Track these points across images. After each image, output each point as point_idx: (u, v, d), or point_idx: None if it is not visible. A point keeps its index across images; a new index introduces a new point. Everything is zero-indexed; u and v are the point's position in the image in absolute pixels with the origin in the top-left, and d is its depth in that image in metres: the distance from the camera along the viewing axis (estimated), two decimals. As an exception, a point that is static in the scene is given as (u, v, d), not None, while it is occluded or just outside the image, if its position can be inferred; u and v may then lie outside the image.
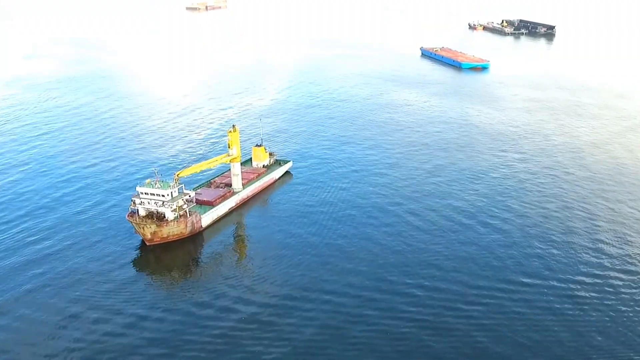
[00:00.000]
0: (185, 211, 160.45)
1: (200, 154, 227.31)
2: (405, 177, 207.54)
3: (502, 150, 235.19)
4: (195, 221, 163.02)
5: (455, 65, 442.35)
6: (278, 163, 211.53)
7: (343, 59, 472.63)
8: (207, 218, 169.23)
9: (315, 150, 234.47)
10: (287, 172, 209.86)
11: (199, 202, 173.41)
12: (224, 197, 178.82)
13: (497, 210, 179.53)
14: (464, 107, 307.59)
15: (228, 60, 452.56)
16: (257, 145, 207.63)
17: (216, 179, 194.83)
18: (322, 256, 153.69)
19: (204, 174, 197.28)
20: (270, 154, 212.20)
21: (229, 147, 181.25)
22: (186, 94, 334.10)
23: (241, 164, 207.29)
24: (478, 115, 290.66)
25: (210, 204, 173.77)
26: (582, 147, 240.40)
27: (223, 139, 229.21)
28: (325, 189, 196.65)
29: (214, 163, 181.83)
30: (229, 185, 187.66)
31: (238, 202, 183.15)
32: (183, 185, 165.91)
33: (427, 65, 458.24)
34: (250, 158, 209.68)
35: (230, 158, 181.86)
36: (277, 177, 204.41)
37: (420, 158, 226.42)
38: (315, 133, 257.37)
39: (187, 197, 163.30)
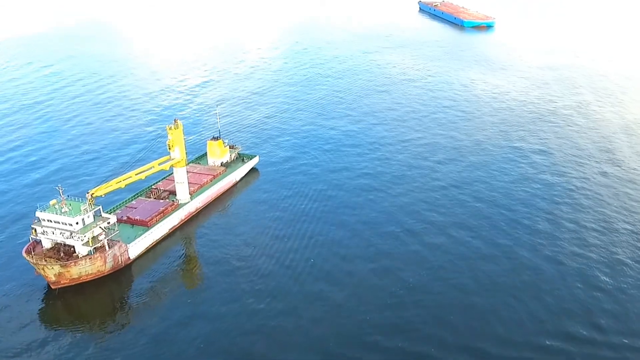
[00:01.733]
0: (104, 243, 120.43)
1: (129, 159, 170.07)
2: (403, 177, 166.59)
3: (510, 139, 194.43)
4: (119, 254, 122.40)
5: (456, 23, 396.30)
6: (241, 159, 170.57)
7: (330, 18, 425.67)
8: (138, 246, 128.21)
9: (289, 140, 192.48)
10: (253, 170, 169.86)
11: (130, 222, 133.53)
12: (163, 213, 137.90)
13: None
14: (466, 78, 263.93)
15: (181, 36, 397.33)
16: (213, 139, 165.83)
17: (159, 184, 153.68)
18: (296, 290, 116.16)
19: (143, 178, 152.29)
20: (232, 148, 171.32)
21: (169, 148, 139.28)
22: (118, 77, 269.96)
23: (195, 160, 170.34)
24: (483, 90, 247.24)
25: (145, 225, 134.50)
26: (612, 135, 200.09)
27: (161, 139, 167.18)
28: (301, 190, 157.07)
29: (146, 172, 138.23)
30: (175, 193, 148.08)
31: (184, 217, 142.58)
32: (101, 207, 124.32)
33: (425, 23, 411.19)
34: (206, 154, 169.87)
35: (170, 163, 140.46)
36: (238, 178, 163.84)
37: (416, 151, 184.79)
38: (289, 119, 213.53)
39: (106, 223, 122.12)
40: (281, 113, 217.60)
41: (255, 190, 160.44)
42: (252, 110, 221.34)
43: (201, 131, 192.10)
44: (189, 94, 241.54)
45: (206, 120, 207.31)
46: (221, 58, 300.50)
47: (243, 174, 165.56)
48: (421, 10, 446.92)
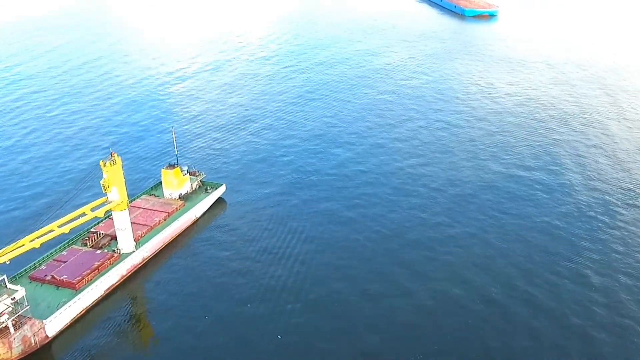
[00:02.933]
0: (7, 326, 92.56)
1: (53, 202, 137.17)
2: (399, 206, 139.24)
3: (519, 154, 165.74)
4: (31, 334, 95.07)
5: (457, 12, 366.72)
6: (204, 188, 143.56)
7: (321, 7, 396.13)
8: (61, 319, 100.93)
9: (264, 162, 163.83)
10: (219, 200, 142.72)
11: (55, 283, 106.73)
12: (98, 270, 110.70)
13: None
14: (469, 77, 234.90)
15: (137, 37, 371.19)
16: (168, 167, 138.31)
17: (100, 226, 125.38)
18: None
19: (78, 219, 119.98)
20: (193, 175, 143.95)
21: (104, 189, 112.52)
22: (45, 88, 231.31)
23: (150, 191, 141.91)
24: (489, 92, 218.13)
25: (72, 287, 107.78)
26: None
27: (93, 175, 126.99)
28: (276, 230, 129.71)
29: (74, 223, 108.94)
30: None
31: (126, 273, 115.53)
32: (5, 277, 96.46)
33: (424, 12, 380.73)
34: (161, 183, 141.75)
35: (107, 207, 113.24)
36: (200, 214, 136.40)
37: (421, 181, 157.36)
38: (264, 135, 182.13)
39: (11, 299, 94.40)
40: (254, 129, 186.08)
41: (219, 229, 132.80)
42: (218, 127, 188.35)
43: (157, 155, 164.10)
44: (139, 109, 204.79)
45: (156, 145, 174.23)
46: (183, 61, 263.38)
47: (206, 208, 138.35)
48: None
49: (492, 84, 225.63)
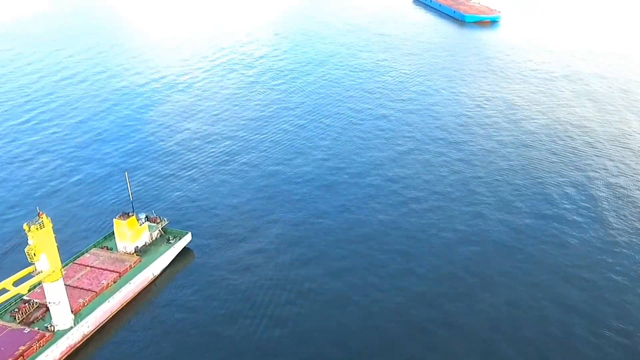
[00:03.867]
0: None
1: None
2: (401, 287, 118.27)
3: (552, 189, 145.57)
4: None
5: (456, 17, 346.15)
6: (166, 238, 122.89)
7: (311, 11, 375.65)
8: None
9: (240, 201, 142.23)
10: (185, 250, 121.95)
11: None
12: (23, 357, 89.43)
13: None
14: (470, 95, 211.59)
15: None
16: (121, 216, 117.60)
17: (34, 292, 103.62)
18: None
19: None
20: (154, 221, 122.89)
21: (30, 258, 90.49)
22: None
23: (102, 242, 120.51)
24: (493, 113, 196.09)
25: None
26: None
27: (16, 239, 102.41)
28: (252, 293, 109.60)
29: None
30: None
31: (59, 356, 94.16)
32: None
33: (421, 17, 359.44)
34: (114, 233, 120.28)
35: (35, 279, 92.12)
36: (159, 271, 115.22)
37: (428, 230, 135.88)
38: (240, 174, 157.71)
39: None
40: (229, 166, 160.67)
41: (183, 289, 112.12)
42: (186, 165, 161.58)
43: (112, 200, 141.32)
44: (84, 147, 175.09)
45: (104, 190, 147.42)
46: (144, 86, 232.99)
47: (167, 262, 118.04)
48: (416, 0, 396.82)
49: (501, 103, 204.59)
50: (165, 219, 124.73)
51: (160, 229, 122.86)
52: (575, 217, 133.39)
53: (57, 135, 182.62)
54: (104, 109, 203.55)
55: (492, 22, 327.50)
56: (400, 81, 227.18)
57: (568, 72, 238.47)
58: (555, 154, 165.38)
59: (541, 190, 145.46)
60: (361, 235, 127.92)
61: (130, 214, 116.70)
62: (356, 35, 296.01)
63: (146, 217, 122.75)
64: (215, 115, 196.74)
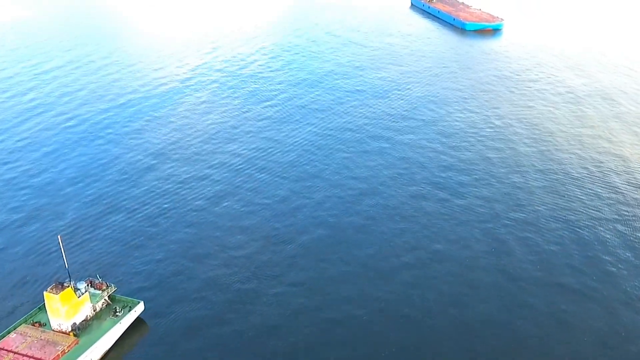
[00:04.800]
0: None
1: None
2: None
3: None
4: None
5: (456, 25, 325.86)
6: (113, 309, 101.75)
7: (298, 22, 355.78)
8: None
9: (201, 268, 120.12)
10: (137, 321, 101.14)
11: None
12: None
13: None
14: (473, 126, 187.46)
15: None
16: (54, 287, 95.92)
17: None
18: None
19: None
20: (98, 288, 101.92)
21: None
22: None
23: (35, 315, 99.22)
24: (509, 136, 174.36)
25: None
26: None
27: None
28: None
29: None
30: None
31: None
32: None
33: (417, 24, 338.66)
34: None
35: None
36: (102, 354, 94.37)
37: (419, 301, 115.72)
38: (204, 227, 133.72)
39: None
40: (191, 216, 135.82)
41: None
42: (138, 215, 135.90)
43: (48, 257, 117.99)
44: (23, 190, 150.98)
45: (29, 258, 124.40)
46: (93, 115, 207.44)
47: (113, 341, 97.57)
48: (413, 6, 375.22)
49: (510, 125, 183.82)
50: (113, 285, 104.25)
51: (106, 297, 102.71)
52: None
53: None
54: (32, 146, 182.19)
55: (495, 31, 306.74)
56: (395, 107, 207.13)
57: (587, 88, 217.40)
58: (598, 197, 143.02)
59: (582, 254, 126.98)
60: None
61: (65, 284, 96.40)
62: (349, 51, 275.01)
63: (90, 283, 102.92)
64: (185, 156, 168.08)
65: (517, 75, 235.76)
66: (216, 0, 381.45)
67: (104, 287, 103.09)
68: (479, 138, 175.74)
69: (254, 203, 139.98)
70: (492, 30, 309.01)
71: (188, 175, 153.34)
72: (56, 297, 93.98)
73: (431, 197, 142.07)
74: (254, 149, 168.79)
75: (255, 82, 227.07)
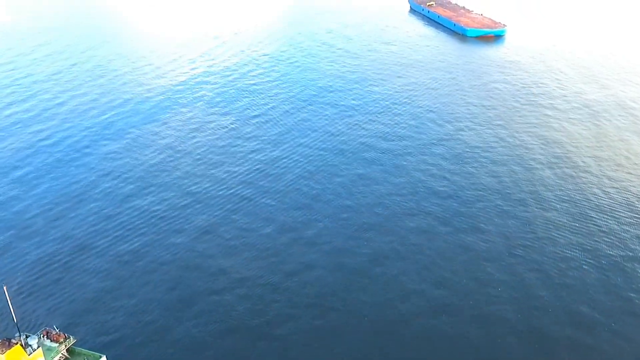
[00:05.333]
0: None
1: None
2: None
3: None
4: None
5: (456, 31, 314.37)
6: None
7: (291, 28, 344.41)
8: None
9: (177, 315, 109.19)
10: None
11: None
12: None
13: None
14: (479, 146, 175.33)
15: None
16: (0, 345, 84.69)
17: None
18: None
19: None
20: (55, 340, 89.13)
21: None
22: None
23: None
24: (522, 156, 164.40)
25: None
26: None
27: None
28: None
29: None
30: None
31: None
32: None
33: (416, 30, 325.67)
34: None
35: None
36: None
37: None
38: (181, 272, 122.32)
39: None
40: (164, 248, 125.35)
41: None
42: (102, 250, 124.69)
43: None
44: None
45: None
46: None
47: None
48: (412, 10, 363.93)
49: (522, 143, 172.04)
50: (73, 337, 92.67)
51: (64, 351, 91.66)
52: None
53: None
54: None
55: (497, 37, 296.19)
56: (394, 124, 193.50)
57: (603, 99, 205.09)
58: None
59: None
60: None
61: (14, 340, 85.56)
62: (345, 61, 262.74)
63: (46, 334, 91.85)
64: (166, 181, 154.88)
65: (524, 86, 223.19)
66: (206, 6, 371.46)
67: (62, 340, 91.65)
68: (485, 159, 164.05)
69: (240, 238, 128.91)
70: (494, 37, 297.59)
71: (167, 207, 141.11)
72: (1, 357, 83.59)
73: (433, 230, 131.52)
74: (242, 173, 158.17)
75: (247, 95, 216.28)
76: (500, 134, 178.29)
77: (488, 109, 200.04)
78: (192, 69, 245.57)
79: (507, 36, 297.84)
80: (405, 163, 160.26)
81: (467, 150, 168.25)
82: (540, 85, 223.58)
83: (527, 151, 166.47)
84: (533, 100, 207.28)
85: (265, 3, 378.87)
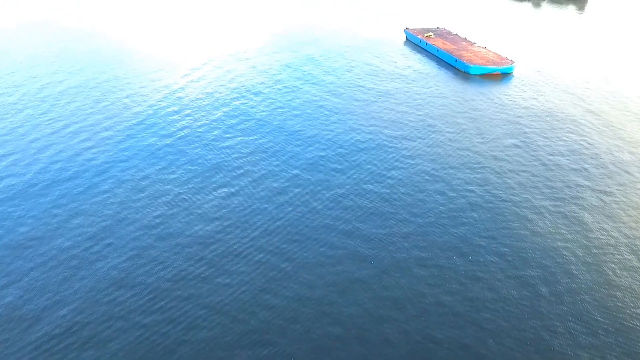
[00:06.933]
0: None
1: None
2: None
3: None
4: None
5: (458, 68, 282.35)
6: None
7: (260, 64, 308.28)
8: None
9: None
10: None
11: None
12: None
13: None
14: (494, 220, 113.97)
15: None
16: None
17: None
18: None
19: None
20: None
21: None
22: None
23: None
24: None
25: None
26: None
27: None
28: None
29: None
30: None
31: None
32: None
33: (412, 66, 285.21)
34: None
35: None
36: None
37: None
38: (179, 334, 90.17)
39: None
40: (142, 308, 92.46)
41: None
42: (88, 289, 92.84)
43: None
44: None
45: None
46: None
47: None
48: (408, 41, 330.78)
49: (542, 218, 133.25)
50: None
51: None
52: None
53: None
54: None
55: (504, 75, 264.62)
56: (391, 193, 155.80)
57: (635, 158, 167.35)
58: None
59: None
60: None
61: None
62: (331, 106, 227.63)
63: None
64: (144, 224, 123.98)
65: (546, 141, 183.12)
66: (192, 28, 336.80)
67: None
68: (501, 243, 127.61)
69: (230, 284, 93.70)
70: (500, 75, 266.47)
71: (146, 258, 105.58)
72: None
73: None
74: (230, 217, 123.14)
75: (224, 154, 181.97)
76: (528, 216, 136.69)
77: (505, 176, 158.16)
78: (180, 90, 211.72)
79: (516, 73, 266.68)
80: (409, 247, 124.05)
81: (480, 230, 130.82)
82: (564, 139, 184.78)
83: (551, 228, 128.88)
84: (558, 164, 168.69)
85: (247, 35, 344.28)
